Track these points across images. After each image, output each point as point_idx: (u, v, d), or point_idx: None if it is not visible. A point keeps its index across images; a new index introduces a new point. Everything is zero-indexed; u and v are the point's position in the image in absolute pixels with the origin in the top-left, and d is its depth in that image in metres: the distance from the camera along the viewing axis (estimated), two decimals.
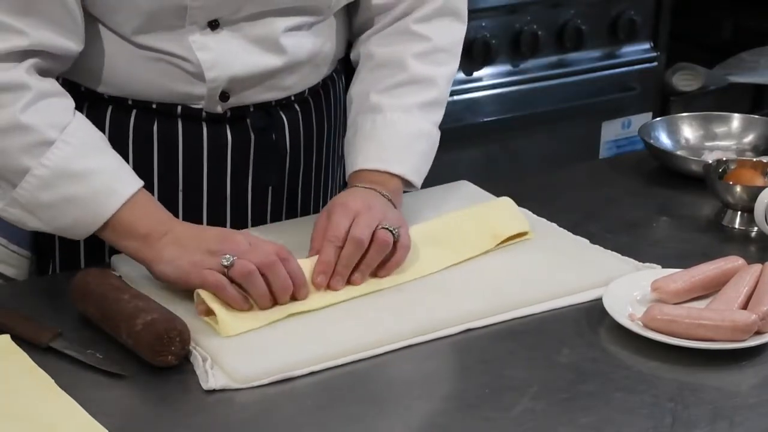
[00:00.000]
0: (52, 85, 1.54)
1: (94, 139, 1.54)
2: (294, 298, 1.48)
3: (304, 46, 1.67)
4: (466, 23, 1.78)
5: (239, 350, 1.39)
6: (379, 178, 1.65)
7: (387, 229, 1.53)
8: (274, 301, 1.47)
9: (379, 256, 1.53)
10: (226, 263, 1.44)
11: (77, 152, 1.51)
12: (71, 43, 1.54)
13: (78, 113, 1.55)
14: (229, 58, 1.60)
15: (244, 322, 1.44)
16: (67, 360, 1.39)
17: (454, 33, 1.76)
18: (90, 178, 1.50)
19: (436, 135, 1.74)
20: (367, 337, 1.43)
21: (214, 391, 1.34)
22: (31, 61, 1.51)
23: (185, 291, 1.48)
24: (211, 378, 1.35)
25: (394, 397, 1.36)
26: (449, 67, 1.76)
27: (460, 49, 1.78)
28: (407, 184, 1.69)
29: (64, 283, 1.53)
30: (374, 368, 1.40)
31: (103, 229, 1.52)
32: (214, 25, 1.59)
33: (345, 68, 1.85)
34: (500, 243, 1.65)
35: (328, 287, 1.51)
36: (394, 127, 1.68)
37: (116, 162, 1.54)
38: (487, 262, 1.62)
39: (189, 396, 1.34)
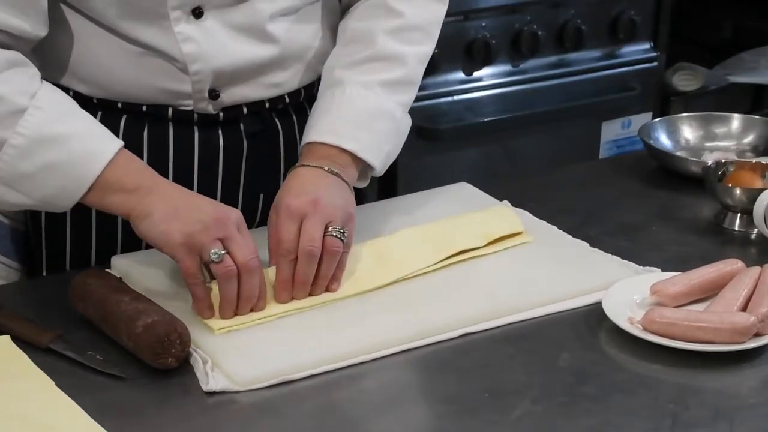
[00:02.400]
0: (15, 55, 1.49)
1: (66, 103, 1.51)
2: (252, 309, 1.47)
3: (293, 37, 1.64)
4: (447, 4, 1.72)
5: (239, 353, 1.40)
6: (328, 153, 1.58)
7: (334, 235, 1.50)
8: (234, 311, 1.45)
9: (332, 265, 1.50)
10: (215, 258, 1.42)
11: (51, 117, 1.47)
12: (26, 25, 1.49)
13: (45, 81, 1.51)
14: (213, 50, 1.58)
15: (233, 319, 1.44)
16: (67, 361, 1.39)
17: (431, 12, 1.70)
18: (69, 141, 1.46)
19: (402, 116, 1.66)
20: (366, 340, 1.43)
21: (214, 393, 1.34)
22: None
23: (185, 292, 1.47)
24: (212, 380, 1.35)
25: (394, 401, 1.36)
26: (422, 48, 1.68)
27: (438, 31, 1.71)
28: (365, 166, 1.62)
29: (64, 284, 1.53)
30: (374, 371, 1.40)
31: (87, 194, 1.48)
32: (197, 13, 1.56)
33: None
34: (493, 242, 1.65)
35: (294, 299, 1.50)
36: (352, 102, 1.61)
37: (92, 124, 1.51)
38: (487, 266, 1.62)
39: (189, 398, 1.34)
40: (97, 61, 1.57)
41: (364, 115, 1.61)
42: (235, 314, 1.45)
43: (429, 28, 1.70)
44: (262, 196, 1.71)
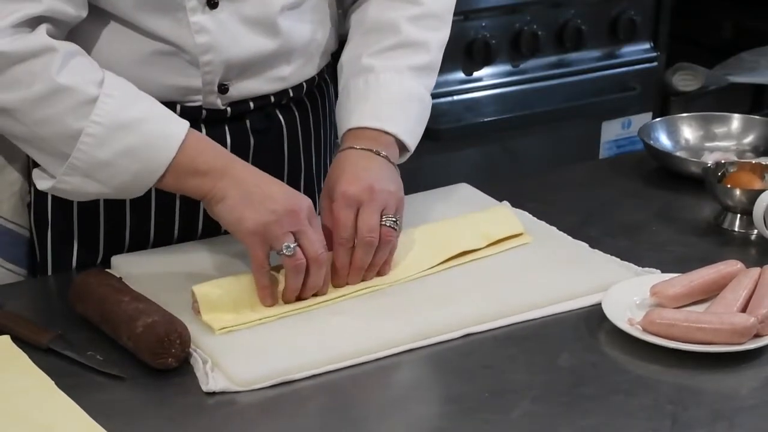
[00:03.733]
0: (71, 45, 1.50)
1: (131, 88, 1.52)
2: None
3: (297, 30, 1.66)
4: None
5: (240, 353, 1.40)
6: (372, 135, 1.62)
7: (389, 225, 1.54)
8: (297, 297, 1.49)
9: (387, 253, 1.55)
10: (287, 253, 1.46)
11: (122, 103, 1.48)
12: (70, 8, 1.50)
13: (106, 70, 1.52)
14: (225, 41, 1.59)
15: (233, 317, 1.45)
16: (67, 361, 1.39)
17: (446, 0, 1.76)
18: (142, 126, 1.48)
19: (428, 100, 1.71)
20: (367, 340, 1.43)
21: (214, 393, 1.34)
22: (44, 27, 1.48)
23: (185, 292, 1.47)
24: (211, 380, 1.35)
25: (395, 401, 1.36)
26: (442, 33, 1.74)
27: (451, 17, 1.77)
28: (401, 148, 1.66)
29: (64, 284, 1.53)
30: (374, 372, 1.40)
31: (163, 177, 1.50)
32: (212, 3, 1.57)
33: (334, 73, 1.85)
34: (493, 243, 1.65)
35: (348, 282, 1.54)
36: (387, 87, 1.66)
37: (159, 106, 1.52)
38: (487, 266, 1.62)
39: (189, 398, 1.34)
40: (106, 58, 1.57)
41: (400, 98, 1.66)
42: (299, 299, 1.49)
43: (445, 15, 1.76)
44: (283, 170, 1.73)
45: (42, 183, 1.53)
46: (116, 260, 1.62)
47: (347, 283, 1.54)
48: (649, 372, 1.40)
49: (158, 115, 1.51)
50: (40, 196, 1.65)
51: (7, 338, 1.43)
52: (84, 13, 1.53)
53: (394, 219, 1.55)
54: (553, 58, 3.08)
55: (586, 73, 3.13)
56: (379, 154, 1.60)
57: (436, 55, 1.73)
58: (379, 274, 1.56)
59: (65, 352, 1.41)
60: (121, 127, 1.47)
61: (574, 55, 3.11)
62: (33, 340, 1.42)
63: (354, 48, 1.71)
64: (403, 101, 1.66)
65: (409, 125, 1.66)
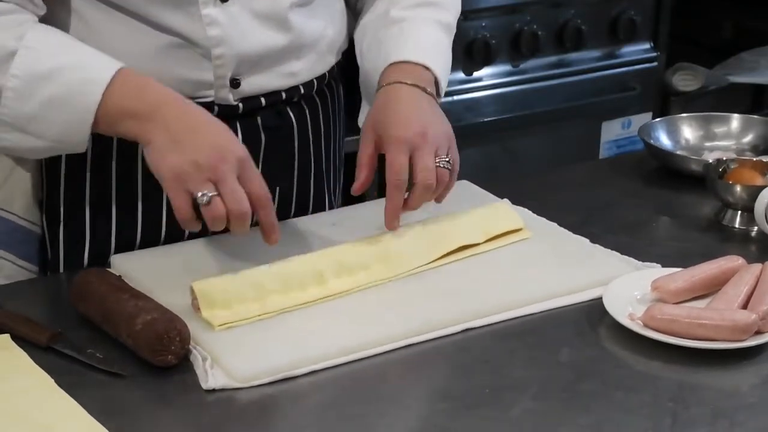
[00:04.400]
0: (4, 6, 1.48)
1: (58, 38, 1.50)
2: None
3: (308, 26, 1.67)
4: None
5: (239, 350, 1.40)
6: (416, 72, 1.63)
7: (443, 167, 1.56)
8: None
9: (444, 193, 1.59)
10: (201, 201, 1.42)
11: (43, 54, 1.46)
12: None
13: (41, 24, 1.50)
14: (236, 35, 1.60)
15: (232, 314, 1.45)
16: (67, 360, 1.39)
17: None
18: (62, 74, 1.46)
19: (451, 57, 1.75)
20: (367, 336, 1.43)
21: (214, 390, 1.34)
22: None
23: (185, 289, 1.47)
24: (211, 377, 1.35)
25: (394, 397, 1.36)
26: (457, 3, 1.80)
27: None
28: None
29: (64, 283, 1.53)
30: (374, 368, 1.40)
31: (96, 125, 1.48)
32: None
33: (343, 73, 1.87)
34: (493, 239, 1.65)
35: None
36: (423, 31, 1.70)
37: (87, 54, 1.50)
38: (487, 261, 1.62)
39: (189, 395, 1.34)
40: (119, 51, 1.57)
41: (436, 44, 1.70)
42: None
43: None
44: (278, 189, 1.72)
45: None
46: (116, 259, 1.62)
47: (398, 226, 1.57)
48: (649, 368, 1.40)
49: (82, 62, 1.48)
50: (52, 193, 1.65)
51: (6, 337, 1.42)
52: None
53: (447, 159, 1.57)
54: (553, 58, 3.09)
55: (586, 73, 3.14)
56: (425, 91, 1.62)
57: (455, 17, 1.79)
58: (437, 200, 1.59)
59: (65, 351, 1.40)
60: (40, 78, 1.46)
61: (574, 55, 3.11)
62: (33, 338, 1.42)
63: (377, 9, 1.76)
64: (438, 47, 1.70)
65: (443, 68, 1.68)
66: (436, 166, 1.56)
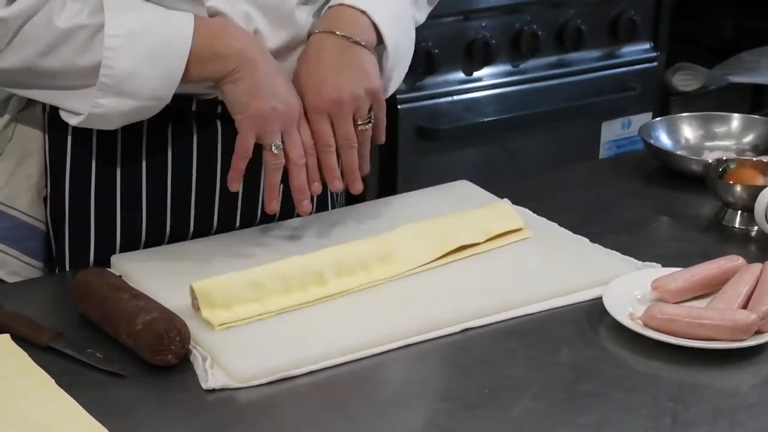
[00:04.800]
0: None
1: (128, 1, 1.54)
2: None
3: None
4: None
5: (239, 349, 1.39)
6: (351, 17, 1.63)
7: (363, 128, 1.61)
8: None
9: (367, 148, 1.63)
10: (274, 150, 1.55)
11: (127, 14, 1.50)
12: None
13: None
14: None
15: (232, 314, 1.45)
16: (67, 360, 1.39)
17: None
18: (152, 27, 1.51)
19: (410, 16, 1.73)
20: (366, 336, 1.43)
21: (213, 390, 1.34)
22: None
23: (185, 289, 1.47)
24: (211, 377, 1.35)
25: (394, 397, 1.36)
26: None
27: None
28: (379, 38, 1.64)
29: (64, 283, 1.53)
30: (374, 367, 1.40)
31: (186, 73, 1.53)
32: None
33: None
34: (493, 238, 1.65)
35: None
36: None
37: (157, 7, 1.54)
38: (487, 261, 1.62)
39: (189, 395, 1.34)
40: None
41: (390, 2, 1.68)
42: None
43: None
44: (281, 188, 1.73)
45: (74, 118, 1.55)
46: (115, 259, 1.62)
47: (339, 185, 1.62)
48: (649, 368, 1.40)
49: (164, 14, 1.54)
50: (57, 189, 1.66)
51: (6, 337, 1.42)
52: None
53: (368, 119, 1.62)
54: (553, 58, 3.08)
55: (586, 73, 3.13)
56: (355, 42, 1.62)
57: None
58: (361, 170, 1.63)
59: (65, 351, 1.40)
60: (136, 34, 1.50)
61: (574, 55, 3.11)
62: (33, 338, 1.42)
63: None
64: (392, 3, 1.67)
65: (386, 15, 1.65)
66: (357, 128, 1.61)
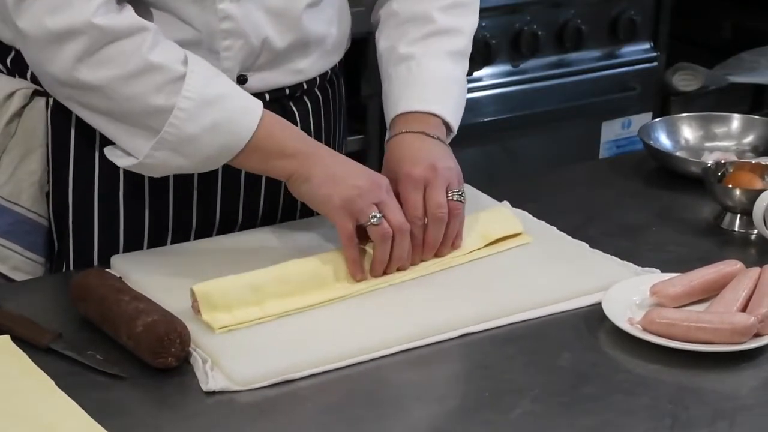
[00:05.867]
0: (157, 27, 1.54)
1: (209, 65, 1.56)
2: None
3: (315, 25, 1.69)
4: None
5: (239, 352, 1.40)
6: (422, 119, 1.69)
7: (456, 199, 1.61)
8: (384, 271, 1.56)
9: (457, 226, 1.62)
10: (374, 221, 1.53)
11: (206, 81, 1.53)
12: None
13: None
14: (247, 29, 1.62)
15: (233, 317, 1.45)
16: (67, 361, 1.39)
17: None
18: (225, 101, 1.53)
19: (465, 84, 1.78)
20: (367, 340, 1.43)
21: (213, 392, 1.34)
22: (129, 6, 1.52)
23: (185, 291, 1.48)
24: (211, 380, 1.35)
25: (394, 401, 1.36)
26: (471, 19, 1.82)
27: (479, 4, 1.84)
28: (447, 129, 1.72)
29: (64, 284, 1.53)
30: (374, 371, 1.40)
31: (244, 153, 1.54)
32: None
33: (344, 71, 1.88)
34: (492, 243, 1.65)
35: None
36: (430, 72, 1.72)
37: (235, 84, 1.58)
38: (487, 266, 1.62)
39: (189, 398, 1.34)
40: None
41: (443, 82, 1.73)
42: (384, 273, 1.56)
43: (473, 4, 1.83)
44: (283, 184, 1.73)
45: (123, 161, 1.56)
46: (116, 260, 1.62)
47: (422, 260, 1.59)
48: (649, 371, 1.40)
49: (237, 90, 1.56)
50: (60, 185, 1.66)
51: (6, 338, 1.42)
52: None
53: (459, 192, 1.62)
54: (553, 58, 3.08)
55: (586, 73, 3.13)
56: (431, 136, 1.66)
57: (469, 41, 1.80)
58: (453, 246, 1.62)
59: (65, 352, 1.40)
60: (209, 103, 1.52)
61: (574, 55, 3.11)
62: (33, 340, 1.42)
63: (388, 39, 1.78)
64: (445, 85, 1.73)
65: (452, 107, 1.72)
66: (449, 199, 1.60)
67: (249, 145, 1.54)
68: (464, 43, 1.78)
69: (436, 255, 1.60)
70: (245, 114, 1.54)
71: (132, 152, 1.55)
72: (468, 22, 1.80)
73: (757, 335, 1.42)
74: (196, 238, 1.71)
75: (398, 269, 1.57)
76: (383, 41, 1.78)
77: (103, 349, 1.41)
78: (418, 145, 1.65)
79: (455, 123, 1.72)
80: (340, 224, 1.54)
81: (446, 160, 1.64)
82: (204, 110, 1.51)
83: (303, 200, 1.59)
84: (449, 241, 1.61)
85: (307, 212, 1.75)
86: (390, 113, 1.72)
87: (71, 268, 1.69)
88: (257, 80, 1.66)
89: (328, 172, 1.55)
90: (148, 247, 1.68)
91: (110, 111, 1.53)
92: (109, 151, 1.59)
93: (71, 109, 1.58)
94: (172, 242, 1.69)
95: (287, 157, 1.56)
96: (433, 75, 1.72)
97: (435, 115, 1.69)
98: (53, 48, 1.49)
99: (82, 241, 1.68)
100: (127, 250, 1.67)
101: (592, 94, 3.14)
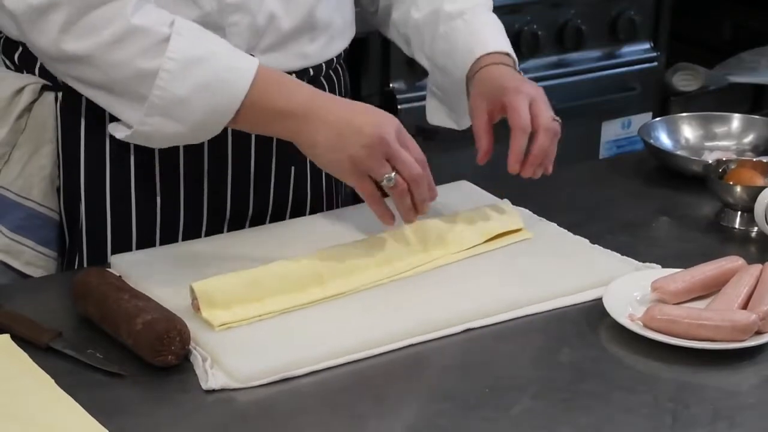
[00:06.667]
0: None
1: (198, 28, 1.55)
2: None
3: (321, 10, 1.70)
4: None
5: (239, 350, 1.40)
6: (501, 60, 1.73)
7: (556, 119, 1.65)
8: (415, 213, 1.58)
9: (555, 146, 1.66)
10: (389, 184, 1.52)
11: (193, 40, 1.51)
12: None
13: None
14: (253, 6, 1.62)
15: (233, 314, 1.45)
16: (67, 360, 1.39)
17: None
18: (214, 59, 1.51)
19: None
20: (366, 336, 1.43)
21: (213, 390, 1.34)
22: None
23: (185, 289, 1.47)
24: (211, 378, 1.35)
25: (394, 397, 1.36)
26: None
27: None
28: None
29: (64, 283, 1.53)
30: (374, 368, 1.40)
31: (241, 115, 1.52)
32: None
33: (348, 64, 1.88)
34: (493, 239, 1.66)
35: (521, 173, 1.65)
36: (487, 20, 1.79)
37: (227, 44, 1.56)
38: (487, 262, 1.62)
39: (189, 396, 1.34)
40: None
41: (498, 27, 1.80)
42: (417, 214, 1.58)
43: None
44: (293, 168, 1.74)
45: (120, 132, 1.56)
46: (115, 259, 1.62)
47: (522, 170, 1.64)
48: (649, 368, 1.40)
49: (227, 50, 1.54)
50: (70, 180, 1.67)
51: (6, 337, 1.42)
52: None
53: (557, 117, 1.65)
54: (553, 58, 3.08)
55: (586, 73, 3.13)
56: (517, 70, 1.73)
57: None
58: (545, 172, 1.66)
59: (65, 351, 1.40)
60: (195, 62, 1.50)
61: (574, 55, 3.11)
62: (33, 338, 1.42)
63: (424, 6, 1.81)
64: (501, 30, 1.80)
65: (511, 48, 1.78)
66: (554, 120, 1.64)
67: (244, 105, 1.51)
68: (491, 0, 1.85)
69: (532, 174, 1.64)
70: (236, 73, 1.51)
71: (127, 122, 1.54)
72: None
73: (758, 333, 1.42)
74: (208, 232, 1.71)
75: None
76: (415, 12, 1.82)
77: (103, 347, 1.41)
78: (513, 72, 1.70)
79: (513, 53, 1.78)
80: (358, 186, 1.54)
81: (541, 90, 1.69)
82: (190, 70, 1.49)
83: (315, 163, 1.57)
84: (549, 159, 1.65)
85: (318, 208, 1.78)
86: (466, 60, 1.73)
87: (84, 262, 1.70)
88: (264, 62, 1.64)
89: (333, 132, 1.52)
90: (161, 241, 1.69)
91: (100, 81, 1.52)
92: (112, 127, 1.58)
93: (69, 84, 1.57)
94: (184, 236, 1.70)
95: (286, 117, 1.53)
96: (490, 23, 1.78)
97: (508, 55, 1.75)
98: (39, 22, 1.49)
99: (95, 236, 1.69)
100: (140, 243, 1.68)
101: (592, 94, 3.14)
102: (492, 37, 1.76)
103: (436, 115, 1.90)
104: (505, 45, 1.76)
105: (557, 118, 1.65)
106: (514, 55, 1.76)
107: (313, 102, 1.54)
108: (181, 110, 1.51)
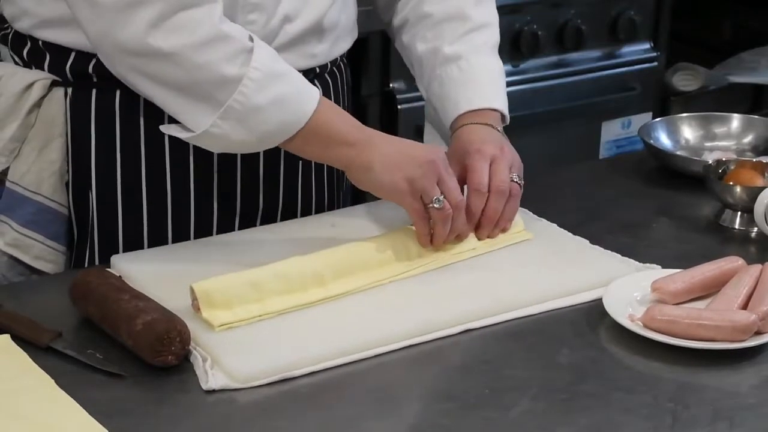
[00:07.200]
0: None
1: (271, 49, 1.58)
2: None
3: (331, 10, 1.71)
4: None
5: (239, 350, 1.39)
6: (484, 114, 1.75)
7: (516, 181, 1.67)
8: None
9: (515, 207, 1.68)
10: (437, 206, 1.57)
11: (273, 55, 1.56)
12: None
13: None
14: (269, 5, 1.63)
15: (233, 314, 1.45)
16: (67, 360, 1.39)
17: None
18: (291, 77, 1.56)
19: (504, 76, 1.86)
20: (367, 337, 1.43)
21: (213, 391, 1.34)
22: None
23: (185, 289, 1.47)
24: (211, 378, 1.35)
25: (394, 397, 1.36)
26: (495, 11, 1.88)
27: None
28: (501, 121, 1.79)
29: (64, 283, 1.53)
30: (374, 368, 1.40)
31: (300, 135, 1.56)
32: None
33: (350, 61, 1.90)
34: (493, 239, 1.66)
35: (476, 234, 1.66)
36: (480, 68, 1.79)
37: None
38: (487, 262, 1.62)
39: (189, 396, 1.34)
40: None
41: (493, 77, 1.81)
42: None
43: None
44: (300, 162, 1.75)
45: (184, 133, 1.57)
46: (116, 259, 1.62)
47: (477, 232, 1.65)
48: (649, 369, 1.40)
49: (297, 72, 1.59)
50: (80, 175, 1.68)
51: (6, 337, 1.42)
52: None
53: (520, 177, 1.68)
54: (553, 58, 3.08)
55: (586, 73, 3.13)
56: (496, 128, 1.74)
57: (498, 32, 1.87)
58: (503, 231, 1.66)
59: (65, 351, 1.40)
60: (277, 75, 1.54)
61: (574, 55, 3.11)
62: (33, 339, 1.42)
63: (428, 41, 1.82)
64: (495, 79, 1.81)
65: (504, 99, 1.80)
66: (513, 182, 1.66)
67: (308, 126, 1.55)
68: (498, 35, 1.85)
69: (489, 236, 1.65)
70: (306, 95, 1.56)
71: (191, 126, 1.55)
72: (495, 13, 1.86)
73: (758, 333, 1.42)
74: (218, 230, 1.72)
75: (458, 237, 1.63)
76: (420, 44, 1.82)
77: (103, 347, 1.41)
78: (486, 132, 1.72)
79: (507, 114, 1.79)
80: (411, 207, 1.58)
81: (511, 147, 1.72)
82: (272, 82, 1.53)
83: (365, 188, 1.61)
84: (503, 222, 1.66)
85: (327, 206, 1.80)
86: (450, 113, 1.77)
87: (96, 258, 1.70)
88: None
89: (388, 159, 1.57)
90: (173, 238, 1.70)
91: (177, 81, 1.53)
92: (166, 127, 1.59)
93: (132, 82, 1.56)
94: (196, 229, 1.71)
95: (347, 145, 1.58)
96: (485, 71, 1.79)
97: (494, 110, 1.76)
98: (126, 13, 1.49)
99: (106, 230, 1.69)
100: (151, 240, 1.69)
101: (592, 94, 3.14)
102: (481, 90, 1.77)
103: (433, 137, 1.93)
104: (493, 98, 1.77)
105: (517, 178, 1.67)
106: (502, 107, 1.77)
107: (369, 133, 1.60)
108: (255, 119, 1.53)
